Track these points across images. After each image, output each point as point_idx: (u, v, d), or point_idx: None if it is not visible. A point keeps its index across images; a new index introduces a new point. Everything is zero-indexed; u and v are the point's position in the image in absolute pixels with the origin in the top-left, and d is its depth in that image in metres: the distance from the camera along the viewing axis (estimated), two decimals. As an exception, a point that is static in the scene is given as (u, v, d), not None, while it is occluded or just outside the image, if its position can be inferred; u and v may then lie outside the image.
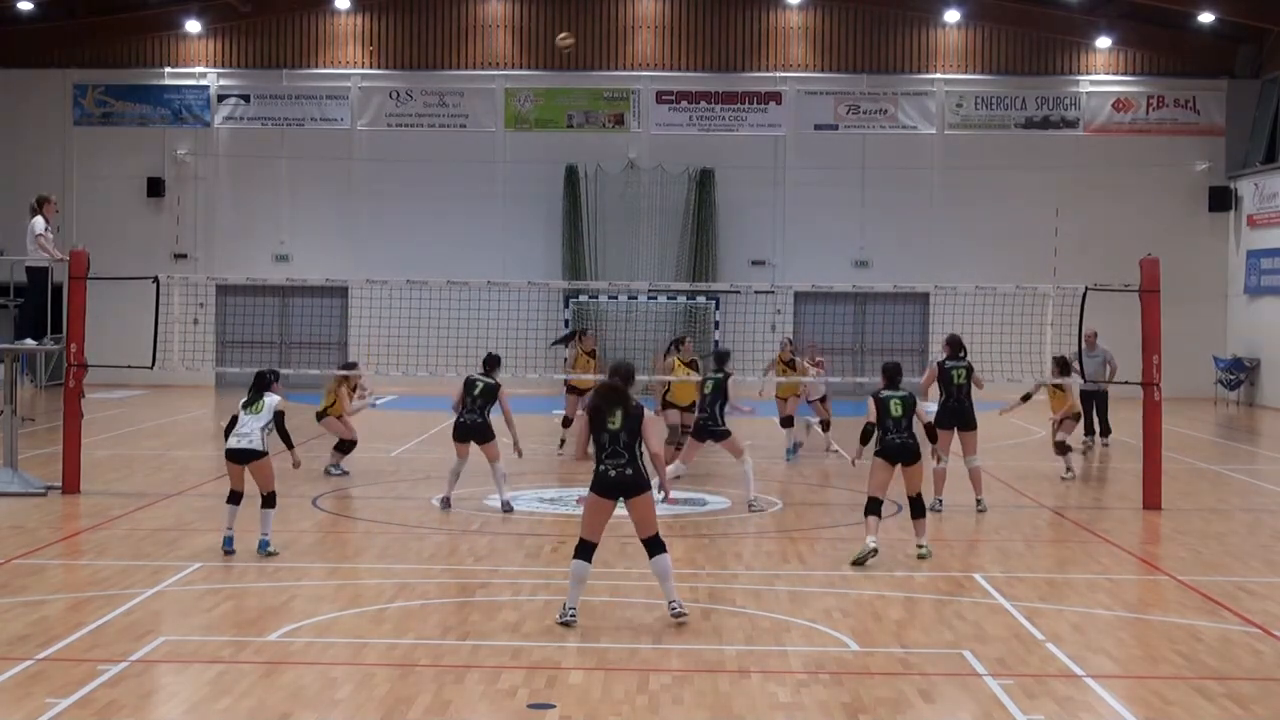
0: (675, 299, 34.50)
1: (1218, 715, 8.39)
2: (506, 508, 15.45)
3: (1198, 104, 35.61)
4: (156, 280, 18.17)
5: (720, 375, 16.44)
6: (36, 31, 36.01)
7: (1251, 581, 12.35)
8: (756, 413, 19.20)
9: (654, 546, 10.32)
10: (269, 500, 12.93)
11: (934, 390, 16.44)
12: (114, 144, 35.99)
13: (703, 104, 35.84)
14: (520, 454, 16.01)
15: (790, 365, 20.84)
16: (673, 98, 35.86)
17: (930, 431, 13.93)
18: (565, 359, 21.98)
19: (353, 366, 19.92)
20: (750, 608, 11.02)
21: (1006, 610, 10.99)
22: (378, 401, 20.22)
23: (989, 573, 12.49)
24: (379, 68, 36.12)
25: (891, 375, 13.30)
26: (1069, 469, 18.88)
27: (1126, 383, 18.62)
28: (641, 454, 10.32)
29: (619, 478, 10.23)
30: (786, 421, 20.87)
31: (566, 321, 33.74)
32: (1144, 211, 35.02)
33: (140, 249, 33.73)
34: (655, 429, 10.51)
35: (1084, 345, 19.49)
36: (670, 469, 14.03)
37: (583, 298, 34.41)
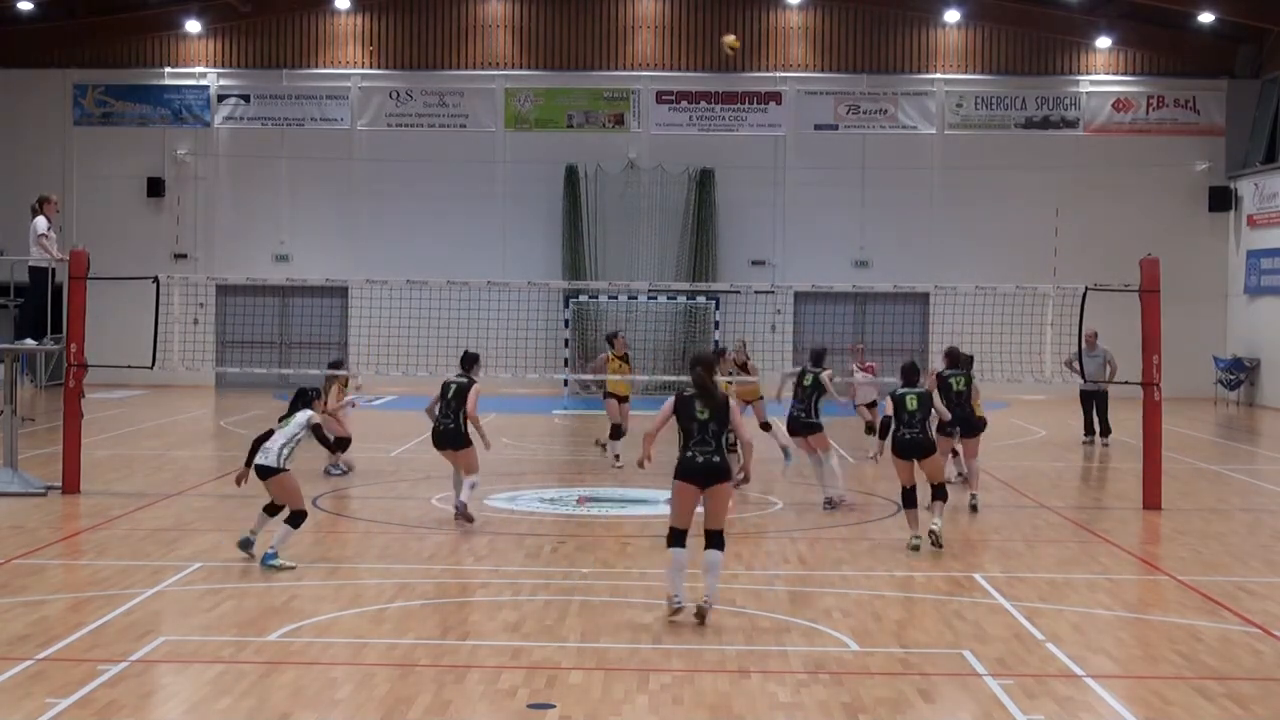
0: (675, 299, 34.50)
1: (1218, 715, 8.39)
2: (460, 511, 14.46)
3: (1198, 104, 35.62)
4: (156, 280, 18.16)
5: (819, 370, 16.24)
6: (36, 31, 36.02)
7: (1251, 581, 12.35)
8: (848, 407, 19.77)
9: (715, 540, 10.43)
10: (293, 518, 12.33)
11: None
12: (114, 144, 35.99)
13: (703, 104, 35.85)
14: (488, 446, 14.98)
15: (743, 368, 19.98)
16: (673, 98, 35.87)
17: (943, 427, 14.75)
18: (593, 366, 21.27)
19: (338, 365, 19.71)
20: (750, 608, 11.02)
21: (1006, 610, 10.99)
22: (357, 403, 19.75)
23: (989, 573, 12.49)
24: (379, 68, 36.13)
25: (909, 374, 13.97)
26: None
27: (1126, 383, 18.62)
28: (726, 444, 10.50)
29: (706, 464, 10.34)
30: (765, 426, 20.07)
31: (567, 322, 33.79)
32: (1144, 211, 35.03)
33: (140, 249, 33.72)
34: (742, 418, 10.60)
35: (1084, 345, 19.50)
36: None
37: (583, 298, 34.41)
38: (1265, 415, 31.21)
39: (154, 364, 18.20)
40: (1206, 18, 33.71)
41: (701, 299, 34.14)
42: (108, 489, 17.05)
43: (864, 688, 8.82)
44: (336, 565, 12.75)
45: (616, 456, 19.71)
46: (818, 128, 35.81)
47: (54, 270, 17.12)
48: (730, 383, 19.54)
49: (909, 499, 13.59)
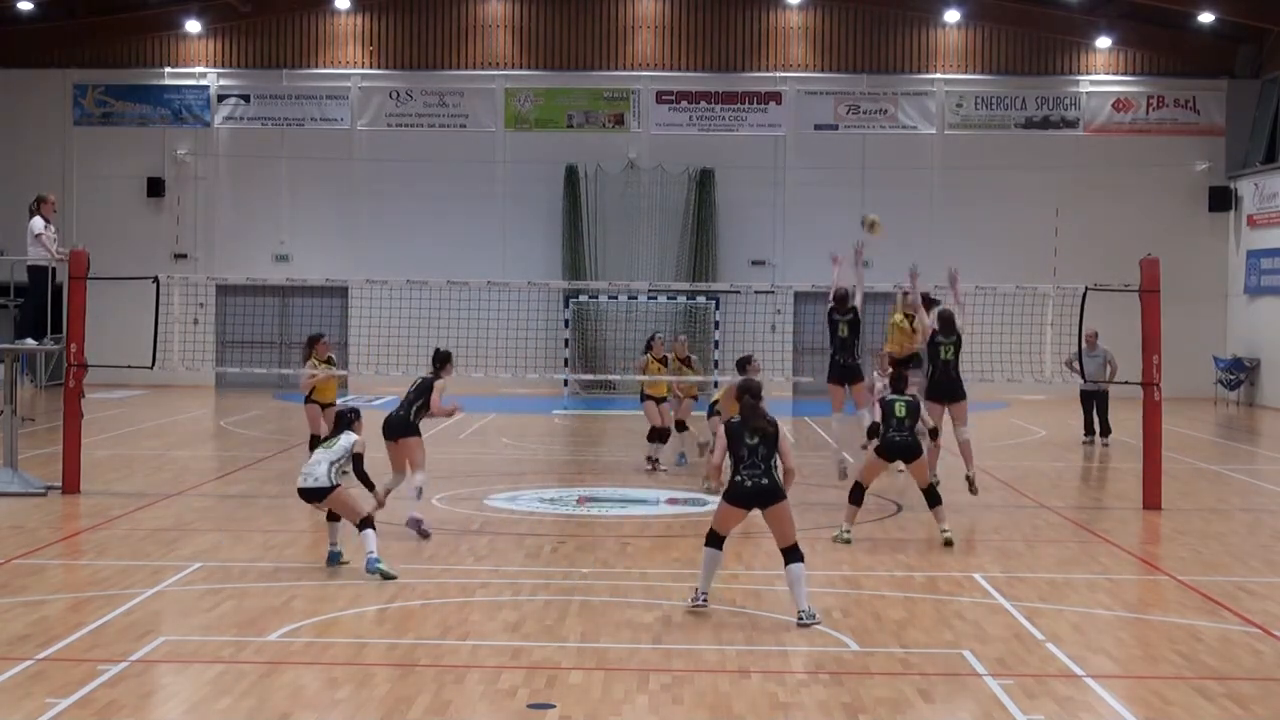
0: (675, 299, 34.50)
1: (1218, 715, 8.39)
2: (415, 525, 13.77)
3: (1198, 104, 35.61)
4: (156, 280, 18.16)
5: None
6: (36, 31, 36.01)
7: (1251, 581, 12.35)
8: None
9: (791, 555, 10.54)
10: (362, 525, 11.96)
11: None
12: (114, 144, 35.99)
13: (703, 104, 35.84)
14: (454, 413, 14.47)
15: (664, 364, 19.53)
16: (673, 98, 35.86)
17: (934, 434, 15.15)
18: (636, 366, 20.78)
19: (318, 338, 18.25)
20: (750, 608, 11.02)
21: (1006, 610, 10.98)
22: (319, 376, 18.10)
23: (989, 573, 12.49)
24: (379, 68, 36.13)
25: (896, 383, 14.41)
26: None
27: (1126, 383, 18.62)
28: (776, 467, 10.63)
29: (755, 488, 10.52)
30: (680, 426, 19.68)
31: (567, 322, 33.79)
32: (1144, 211, 35.02)
33: (140, 249, 33.71)
34: (789, 445, 10.84)
35: (1084, 345, 19.50)
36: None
37: (583, 298, 34.42)
38: (1265, 415, 31.20)
39: (154, 364, 18.19)
40: (1206, 18, 33.71)
41: (701, 299, 34.14)
42: (108, 489, 17.04)
43: (864, 688, 8.82)
44: (336, 565, 12.73)
45: (649, 459, 19.35)
46: (818, 128, 35.81)
47: (54, 270, 17.13)
48: (665, 368, 19.37)
49: (858, 495, 13.99)
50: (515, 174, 35.82)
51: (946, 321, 16.57)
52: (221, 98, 36.22)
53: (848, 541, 13.79)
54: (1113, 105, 35.76)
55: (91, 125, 36.19)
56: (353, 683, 8.80)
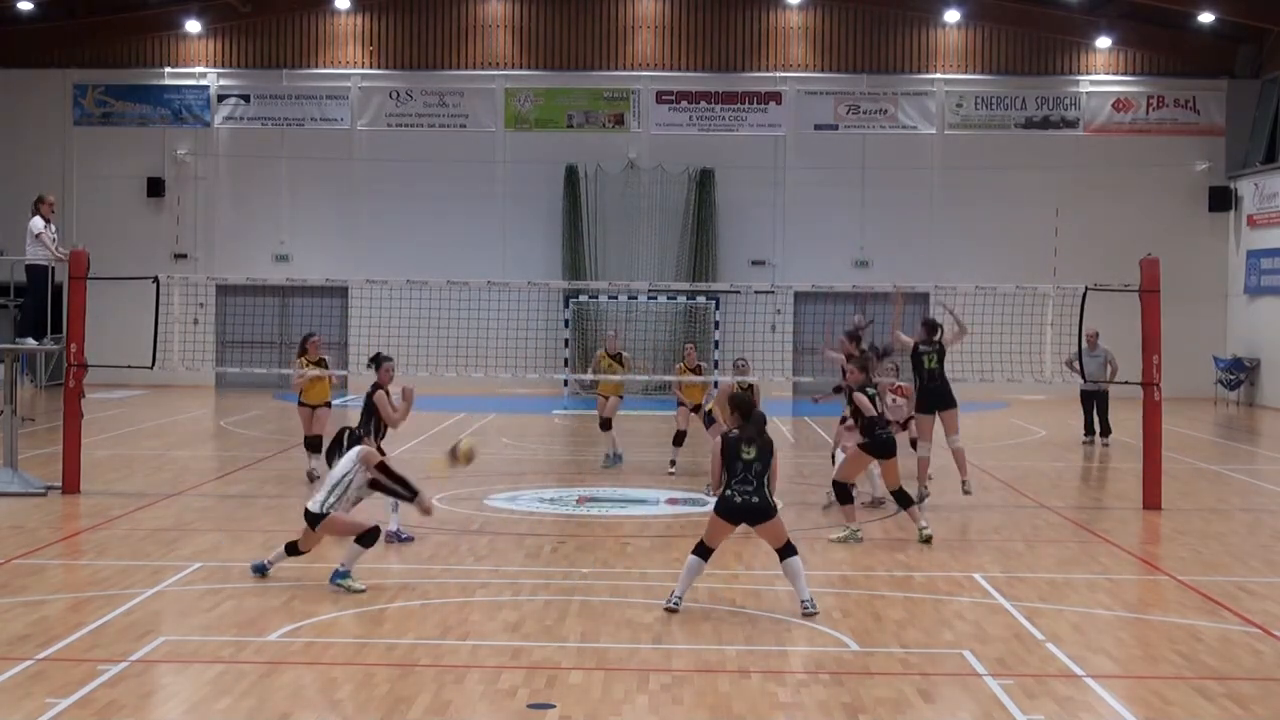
0: (675, 299, 34.49)
1: (1218, 715, 8.39)
2: (396, 537, 13.42)
3: (1198, 104, 35.61)
4: (156, 280, 18.15)
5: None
6: (36, 31, 36.02)
7: (1251, 581, 12.35)
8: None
9: (785, 551, 10.77)
10: (363, 539, 11.45)
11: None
12: (114, 144, 35.99)
13: (703, 104, 35.84)
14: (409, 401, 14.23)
15: (618, 360, 19.48)
16: (673, 98, 35.86)
17: (914, 444, 15.87)
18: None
19: (309, 337, 18.34)
20: (750, 608, 11.02)
21: (1006, 610, 10.98)
22: (306, 376, 17.99)
23: (989, 573, 12.48)
24: (379, 68, 36.13)
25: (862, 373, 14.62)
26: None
27: (1126, 383, 18.61)
28: (767, 483, 10.76)
29: (744, 504, 10.66)
30: (605, 424, 19.65)
31: (567, 322, 33.78)
32: (1144, 211, 35.03)
33: (140, 249, 33.72)
34: (779, 467, 11.02)
35: (1085, 345, 19.49)
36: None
37: (583, 298, 34.41)
38: (1265, 415, 31.20)
39: (154, 364, 18.18)
40: (1206, 18, 33.70)
41: (701, 299, 34.12)
42: (108, 489, 17.04)
43: (864, 688, 8.82)
44: (336, 565, 12.73)
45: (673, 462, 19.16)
46: (818, 128, 35.81)
47: (54, 270, 17.13)
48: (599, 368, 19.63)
49: (846, 494, 14.05)
50: (515, 174, 35.82)
51: (930, 328, 16.52)
52: (221, 98, 36.22)
53: (859, 540, 13.74)
54: (1113, 105, 35.76)
55: (91, 125, 36.19)
56: (353, 683, 8.80)
